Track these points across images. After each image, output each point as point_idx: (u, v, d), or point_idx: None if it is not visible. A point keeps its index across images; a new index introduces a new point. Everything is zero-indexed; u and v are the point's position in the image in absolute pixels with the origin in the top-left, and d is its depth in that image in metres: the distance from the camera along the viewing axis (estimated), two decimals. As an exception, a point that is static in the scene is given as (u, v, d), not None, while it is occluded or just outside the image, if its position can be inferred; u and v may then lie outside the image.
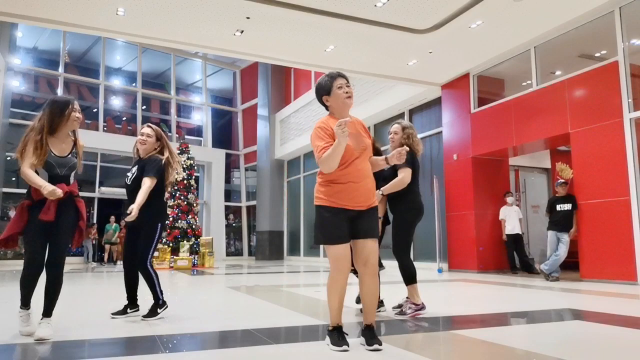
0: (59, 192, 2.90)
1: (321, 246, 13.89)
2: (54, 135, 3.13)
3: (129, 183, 3.74)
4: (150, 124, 3.92)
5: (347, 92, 2.81)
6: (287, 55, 9.09)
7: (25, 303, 3.03)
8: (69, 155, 3.15)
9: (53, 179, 3.02)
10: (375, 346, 2.61)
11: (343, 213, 2.69)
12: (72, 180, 3.17)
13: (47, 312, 3.04)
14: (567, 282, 6.83)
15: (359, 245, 2.73)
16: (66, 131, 3.19)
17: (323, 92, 2.86)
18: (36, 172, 3.01)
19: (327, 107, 2.91)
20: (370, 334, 2.68)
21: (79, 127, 3.25)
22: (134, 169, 3.76)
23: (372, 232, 2.73)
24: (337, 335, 2.67)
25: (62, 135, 3.17)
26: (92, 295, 6.17)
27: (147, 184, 3.58)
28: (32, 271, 2.95)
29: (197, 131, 19.40)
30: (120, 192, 16.87)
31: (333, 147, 2.61)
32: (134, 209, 3.43)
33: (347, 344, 2.62)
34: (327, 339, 2.71)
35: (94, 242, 14.64)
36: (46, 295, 3.03)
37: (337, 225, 2.68)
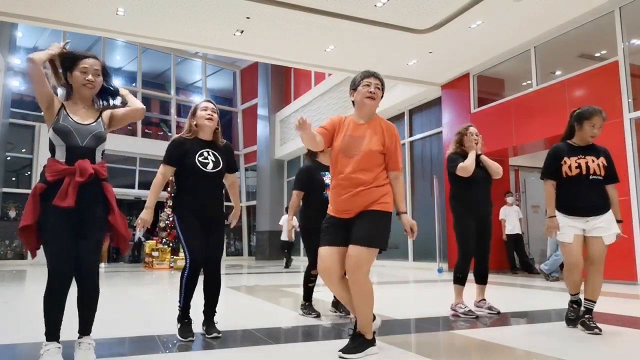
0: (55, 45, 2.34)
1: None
2: (73, 100, 2.51)
3: (212, 171, 3.11)
4: (208, 99, 3.31)
5: (371, 92, 2.68)
6: (287, 55, 9.09)
7: (53, 333, 2.29)
8: (94, 123, 2.47)
9: (72, 152, 2.35)
10: (339, 354, 2.50)
11: (333, 220, 2.66)
12: (98, 158, 2.49)
13: (85, 329, 2.42)
14: (567, 282, 6.82)
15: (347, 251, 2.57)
16: (80, 96, 2.50)
17: (352, 86, 2.79)
18: (52, 146, 2.39)
19: (353, 104, 2.81)
20: (351, 343, 2.57)
21: (90, 94, 2.52)
22: (211, 155, 3.14)
23: (359, 239, 2.52)
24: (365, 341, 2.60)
25: (80, 102, 2.51)
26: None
27: (237, 182, 3.43)
28: (58, 280, 2.26)
29: (197, 131, 19.38)
30: (120, 192, 16.88)
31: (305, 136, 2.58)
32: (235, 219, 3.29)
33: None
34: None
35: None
36: (81, 309, 2.41)
37: (328, 228, 2.65)
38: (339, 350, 2.50)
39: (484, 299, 4.05)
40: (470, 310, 3.84)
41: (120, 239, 2.45)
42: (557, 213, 3.26)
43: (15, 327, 3.52)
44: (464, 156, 4.03)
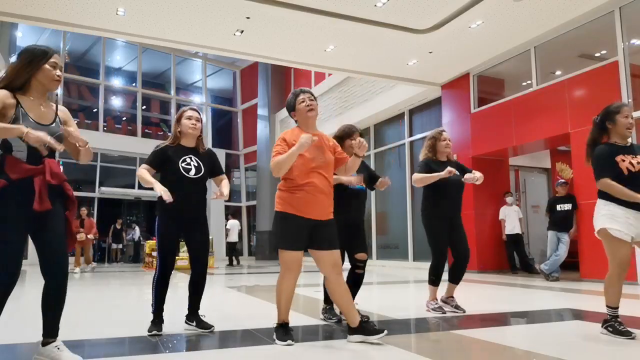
0: (42, 135, 2.15)
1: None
2: (25, 93, 2.36)
3: (195, 176, 3.23)
4: (193, 107, 3.48)
5: (308, 105, 2.99)
6: (287, 55, 9.09)
7: None
8: (53, 124, 2.39)
9: (34, 154, 2.27)
10: (380, 335, 2.78)
11: (301, 221, 2.85)
12: (56, 158, 2.44)
13: (53, 331, 2.32)
14: (567, 282, 6.83)
15: (326, 254, 2.91)
16: (41, 90, 2.40)
17: (290, 109, 3.09)
18: (9, 145, 2.26)
19: (296, 122, 3.12)
20: (368, 327, 2.85)
21: (56, 89, 2.46)
22: (193, 161, 3.28)
23: (334, 244, 2.95)
24: (283, 330, 2.86)
25: (37, 96, 2.39)
26: (91, 294, 6.17)
27: (227, 181, 3.50)
28: (4, 280, 2.18)
29: (197, 131, 19.38)
30: (120, 192, 16.89)
31: (288, 152, 2.82)
32: (226, 193, 3.33)
33: (292, 339, 2.79)
34: (274, 334, 2.89)
35: (94, 242, 14.56)
36: (48, 310, 2.31)
37: (294, 232, 2.86)
38: (377, 334, 2.80)
39: (452, 297, 4.09)
40: (440, 307, 3.99)
41: (71, 236, 2.42)
42: (613, 205, 3.04)
43: (15, 327, 3.52)
44: (435, 162, 4.08)
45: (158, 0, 6.86)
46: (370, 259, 11.97)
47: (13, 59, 14.50)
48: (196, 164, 3.28)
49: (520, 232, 8.76)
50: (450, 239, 4.03)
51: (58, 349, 2.28)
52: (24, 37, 15.95)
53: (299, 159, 2.86)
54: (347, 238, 3.53)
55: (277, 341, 2.79)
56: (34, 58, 2.36)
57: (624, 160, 3.05)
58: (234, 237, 14.01)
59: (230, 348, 2.89)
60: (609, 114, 3.19)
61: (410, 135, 11.37)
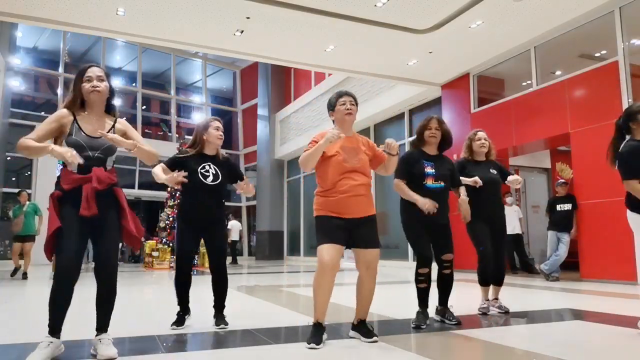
0: (73, 156, 2.35)
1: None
2: (83, 110, 2.64)
3: (212, 183, 3.35)
4: (218, 118, 3.57)
5: (347, 109, 3.02)
6: (287, 55, 9.09)
7: (55, 327, 2.44)
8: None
9: (85, 165, 2.49)
10: (374, 338, 2.83)
11: (336, 220, 2.85)
12: (109, 166, 2.62)
13: (103, 326, 2.58)
14: (567, 282, 6.83)
15: (361, 253, 2.90)
16: (93, 107, 2.65)
17: (330, 108, 3.13)
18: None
19: (333, 122, 3.14)
20: (365, 328, 2.92)
21: (99, 99, 2.66)
22: (212, 168, 3.38)
23: (372, 243, 2.91)
24: (314, 331, 2.80)
25: (93, 113, 2.65)
26: (90, 294, 6.16)
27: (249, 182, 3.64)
28: (65, 279, 2.43)
29: (197, 131, 19.39)
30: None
31: (315, 147, 2.88)
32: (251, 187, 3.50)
33: (316, 342, 2.71)
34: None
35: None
36: (99, 307, 2.60)
37: (330, 229, 2.84)
38: (371, 337, 2.85)
39: (496, 298, 4.09)
40: (486, 307, 3.99)
41: (132, 239, 2.63)
42: None
43: (15, 327, 3.52)
44: (473, 162, 4.18)
45: (158, 0, 6.86)
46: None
47: (13, 59, 14.51)
48: (214, 172, 3.39)
49: (520, 232, 8.75)
50: (491, 239, 3.94)
51: (100, 341, 2.51)
52: (24, 37, 15.94)
53: (332, 162, 2.89)
54: (432, 239, 3.54)
55: (306, 343, 2.75)
56: (75, 79, 2.65)
57: None
58: (234, 236, 14.61)
59: (230, 348, 2.89)
60: (632, 115, 3.12)
61: (411, 135, 11.36)
